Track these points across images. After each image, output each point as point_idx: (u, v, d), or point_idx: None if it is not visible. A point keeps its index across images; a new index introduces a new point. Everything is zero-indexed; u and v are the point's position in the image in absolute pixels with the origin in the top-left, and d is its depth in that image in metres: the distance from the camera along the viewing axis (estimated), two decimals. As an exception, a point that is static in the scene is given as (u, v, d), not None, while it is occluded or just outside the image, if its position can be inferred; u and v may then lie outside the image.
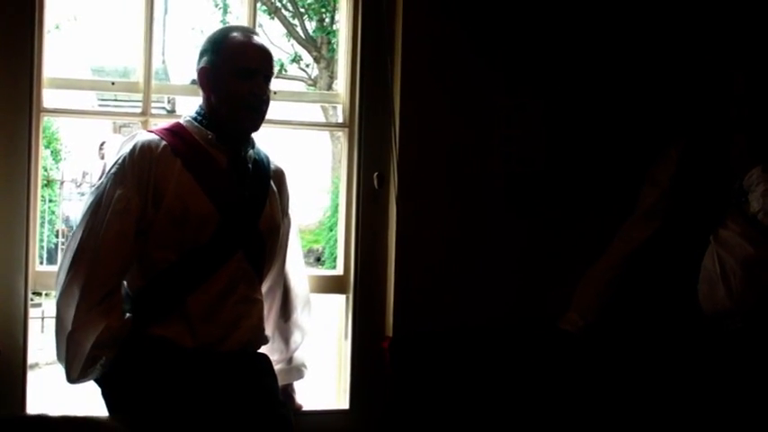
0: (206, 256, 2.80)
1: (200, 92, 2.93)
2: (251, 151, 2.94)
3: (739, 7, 3.73)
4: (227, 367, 2.81)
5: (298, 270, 3.22)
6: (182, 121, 2.93)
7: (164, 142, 2.82)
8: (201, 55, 2.91)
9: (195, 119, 2.91)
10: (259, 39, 2.94)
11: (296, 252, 3.21)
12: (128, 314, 2.76)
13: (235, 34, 2.90)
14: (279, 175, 3.08)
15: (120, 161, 2.79)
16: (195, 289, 2.78)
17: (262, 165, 2.98)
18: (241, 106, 2.85)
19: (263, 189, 2.95)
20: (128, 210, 2.74)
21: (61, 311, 2.73)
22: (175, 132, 2.88)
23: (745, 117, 3.17)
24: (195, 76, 2.94)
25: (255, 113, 2.89)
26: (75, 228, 2.84)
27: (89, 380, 2.77)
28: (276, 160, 3.08)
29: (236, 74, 2.84)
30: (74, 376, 2.73)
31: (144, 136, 2.84)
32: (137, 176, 2.75)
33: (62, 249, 9.50)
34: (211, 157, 2.86)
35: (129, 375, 2.75)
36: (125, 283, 2.82)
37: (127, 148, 2.80)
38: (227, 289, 2.83)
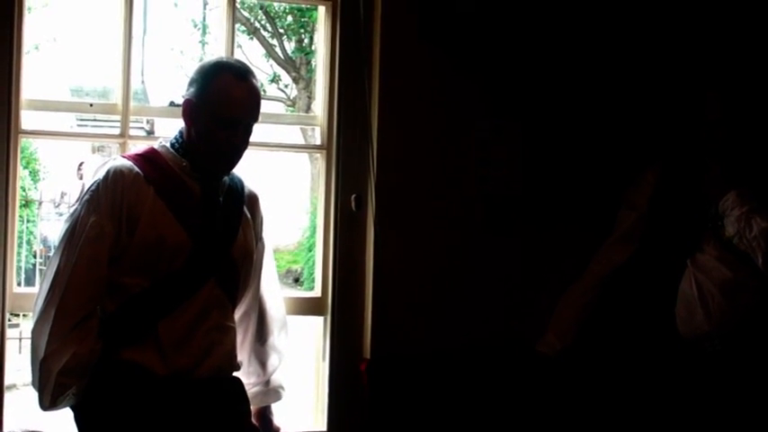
0: (179, 282, 2.77)
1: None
2: (225, 178, 2.91)
3: (714, 32, 3.76)
4: (198, 394, 2.79)
5: (273, 292, 3.19)
6: (156, 146, 2.89)
7: (136, 169, 2.77)
8: (190, 84, 2.83)
9: (173, 145, 2.87)
10: (252, 80, 2.84)
11: (271, 274, 3.18)
12: (99, 339, 2.73)
13: (226, 74, 2.80)
14: (252, 200, 3.04)
15: (93, 188, 2.75)
16: (167, 314, 2.75)
17: (236, 191, 2.95)
18: (215, 152, 2.80)
19: (236, 216, 2.92)
20: (101, 236, 2.70)
21: (35, 338, 2.70)
22: (149, 159, 2.83)
23: (719, 141, 3.19)
24: (179, 100, 2.89)
25: (229, 159, 2.85)
26: (52, 256, 2.82)
27: (61, 408, 2.74)
28: (250, 184, 3.04)
29: (216, 120, 2.77)
30: (45, 404, 2.70)
31: (117, 162, 2.80)
32: (110, 203, 2.72)
33: (40, 270, 9.47)
34: (185, 185, 2.82)
35: (101, 402, 2.72)
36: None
37: (100, 175, 2.77)
38: (199, 316, 2.80)
